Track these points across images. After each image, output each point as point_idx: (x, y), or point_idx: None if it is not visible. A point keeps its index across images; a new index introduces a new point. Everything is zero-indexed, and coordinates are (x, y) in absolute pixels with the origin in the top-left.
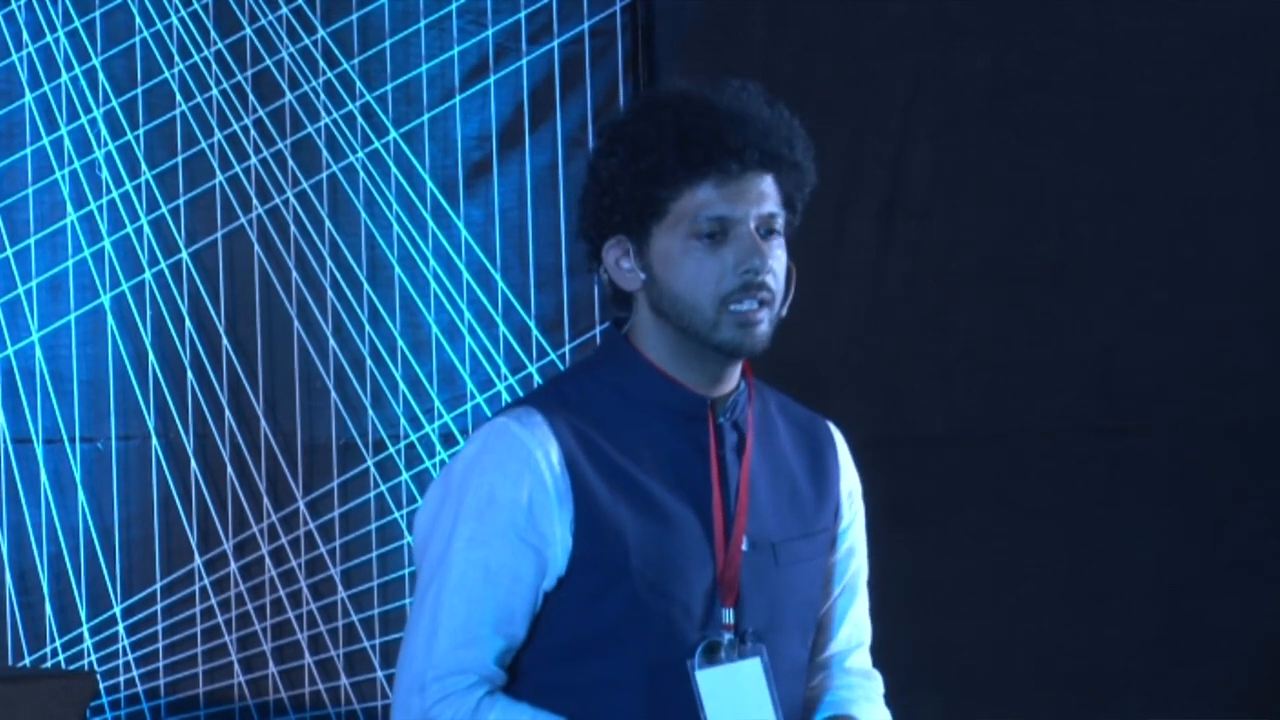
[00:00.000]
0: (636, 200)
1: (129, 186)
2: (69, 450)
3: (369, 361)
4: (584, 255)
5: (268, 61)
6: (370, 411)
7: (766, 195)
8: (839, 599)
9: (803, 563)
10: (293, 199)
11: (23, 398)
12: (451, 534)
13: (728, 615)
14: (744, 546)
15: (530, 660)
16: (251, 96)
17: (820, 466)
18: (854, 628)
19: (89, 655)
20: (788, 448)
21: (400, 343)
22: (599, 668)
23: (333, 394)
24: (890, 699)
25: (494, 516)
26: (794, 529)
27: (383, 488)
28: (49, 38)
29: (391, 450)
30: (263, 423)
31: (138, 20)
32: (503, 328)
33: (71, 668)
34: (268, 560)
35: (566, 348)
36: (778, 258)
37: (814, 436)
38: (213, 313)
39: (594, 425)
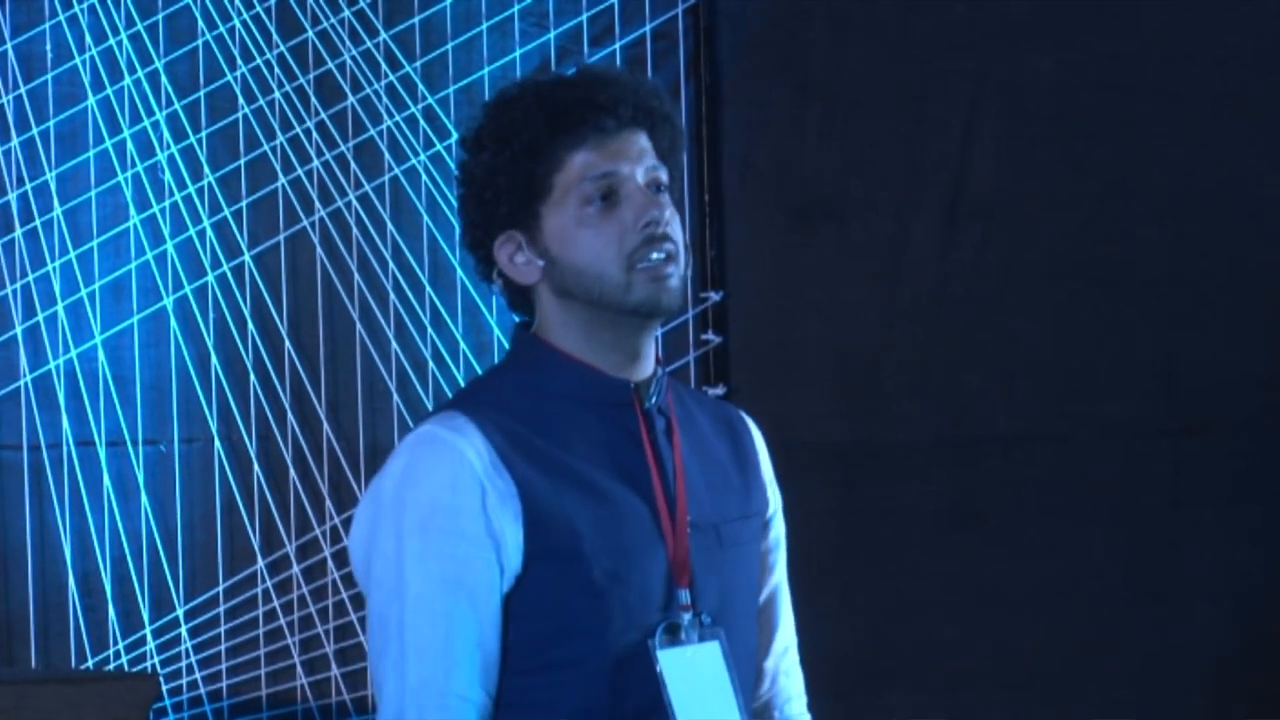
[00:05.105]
0: (518, 185)
1: (191, 189)
2: (132, 453)
3: (431, 364)
4: (475, 268)
5: (330, 64)
6: None
7: (646, 151)
8: (777, 593)
9: (744, 544)
10: (355, 201)
11: (86, 400)
12: (399, 553)
13: (685, 596)
14: (688, 528)
15: (500, 673)
16: (314, 99)
17: (741, 452)
18: (788, 627)
19: (152, 657)
20: (709, 433)
21: (463, 345)
22: (561, 659)
23: (395, 397)
24: (953, 696)
25: (439, 525)
26: (731, 511)
27: None
28: (111, 41)
29: None
30: (325, 425)
31: (200, 23)
32: None
33: (134, 670)
34: (330, 563)
35: None
36: (673, 212)
37: (730, 424)
38: (275, 315)
39: (520, 421)
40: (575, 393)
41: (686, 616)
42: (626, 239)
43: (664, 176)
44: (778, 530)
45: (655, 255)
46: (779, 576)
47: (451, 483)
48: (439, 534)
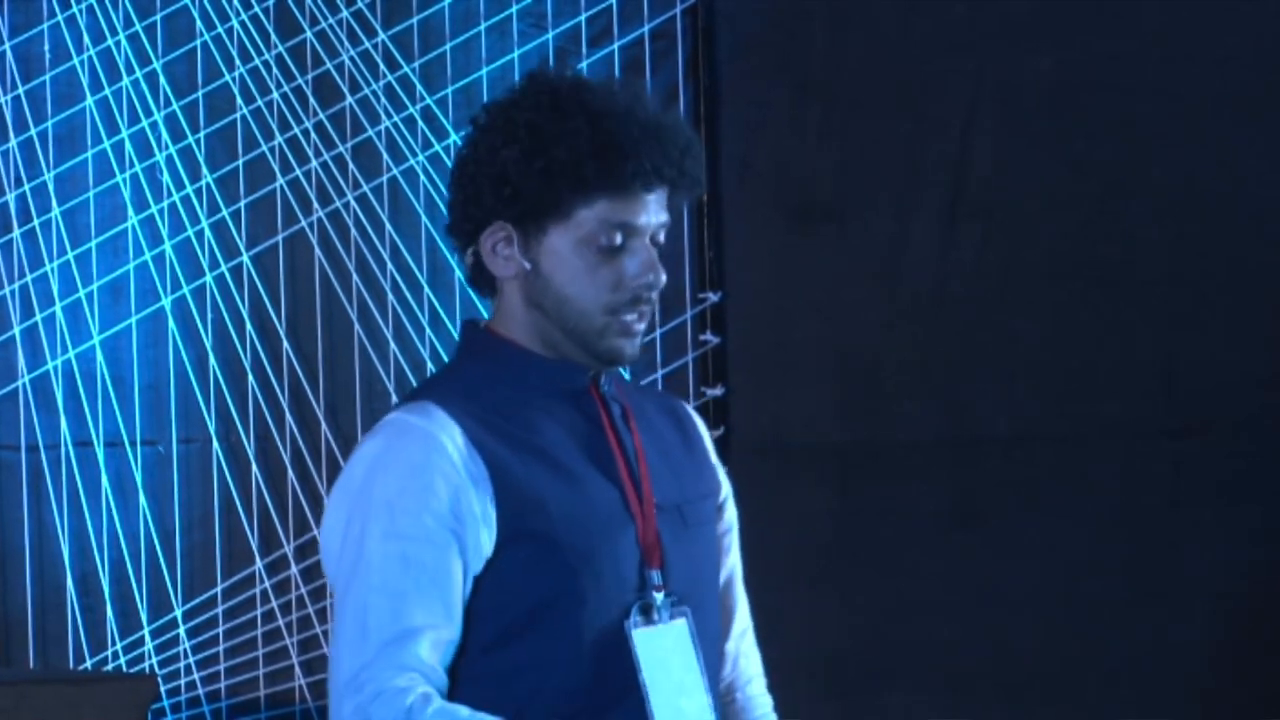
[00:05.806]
0: (541, 197)
1: (190, 190)
2: (130, 453)
3: (429, 364)
4: (448, 232)
5: (328, 65)
6: None
7: (662, 207)
8: (733, 577)
9: (705, 524)
10: (353, 202)
11: (84, 401)
12: (363, 534)
13: (657, 577)
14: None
15: (467, 649)
16: (312, 100)
17: (688, 437)
18: (744, 610)
19: (150, 658)
20: (657, 421)
21: None
22: (538, 644)
23: (393, 397)
24: (953, 696)
25: (406, 507)
26: (690, 491)
27: None
28: (110, 41)
29: None
30: (323, 426)
31: (198, 24)
32: None
33: (133, 670)
34: None
35: None
36: (662, 268)
37: (674, 412)
38: (273, 316)
39: (488, 408)
40: (536, 382)
41: (659, 596)
42: (619, 292)
43: (664, 230)
44: (730, 513)
45: (632, 315)
46: (734, 559)
47: (422, 466)
48: (404, 517)
